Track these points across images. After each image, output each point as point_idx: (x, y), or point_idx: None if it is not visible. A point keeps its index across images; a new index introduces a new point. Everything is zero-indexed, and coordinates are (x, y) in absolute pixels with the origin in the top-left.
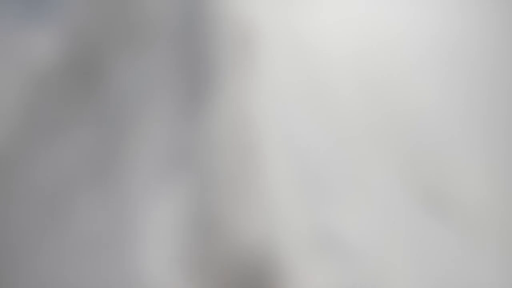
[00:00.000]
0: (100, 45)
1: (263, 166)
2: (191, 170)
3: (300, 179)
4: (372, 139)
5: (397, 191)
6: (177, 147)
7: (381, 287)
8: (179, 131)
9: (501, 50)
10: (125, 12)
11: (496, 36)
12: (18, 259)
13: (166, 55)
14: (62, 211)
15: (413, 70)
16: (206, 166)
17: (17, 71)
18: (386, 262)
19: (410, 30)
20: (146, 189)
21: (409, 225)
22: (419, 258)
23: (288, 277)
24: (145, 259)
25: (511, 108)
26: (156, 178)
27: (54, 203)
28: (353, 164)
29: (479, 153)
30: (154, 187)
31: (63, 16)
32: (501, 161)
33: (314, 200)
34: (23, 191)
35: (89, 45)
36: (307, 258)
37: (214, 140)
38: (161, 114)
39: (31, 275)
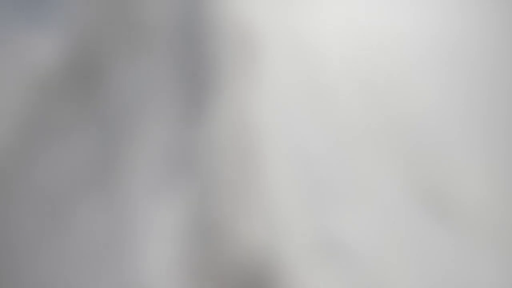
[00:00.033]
0: (100, 49)
1: (263, 168)
2: (191, 173)
3: (301, 181)
4: (372, 140)
5: (397, 193)
6: (177, 150)
7: None
8: (179, 133)
9: (501, 51)
10: (125, 16)
11: (496, 36)
12: (18, 261)
13: (166, 59)
14: (62, 213)
15: (413, 71)
16: (206, 169)
17: (17, 75)
18: (387, 264)
19: (410, 31)
20: (146, 191)
21: (410, 227)
22: (420, 260)
23: (288, 281)
24: (145, 262)
25: (511, 109)
26: (156, 181)
27: (55, 205)
28: (353, 165)
29: (479, 154)
30: (155, 189)
31: (63, 20)
32: (501, 161)
33: (315, 203)
34: (23, 193)
35: (89, 49)
36: (308, 262)
37: (215, 143)
38: (161, 117)
39: (32, 277)
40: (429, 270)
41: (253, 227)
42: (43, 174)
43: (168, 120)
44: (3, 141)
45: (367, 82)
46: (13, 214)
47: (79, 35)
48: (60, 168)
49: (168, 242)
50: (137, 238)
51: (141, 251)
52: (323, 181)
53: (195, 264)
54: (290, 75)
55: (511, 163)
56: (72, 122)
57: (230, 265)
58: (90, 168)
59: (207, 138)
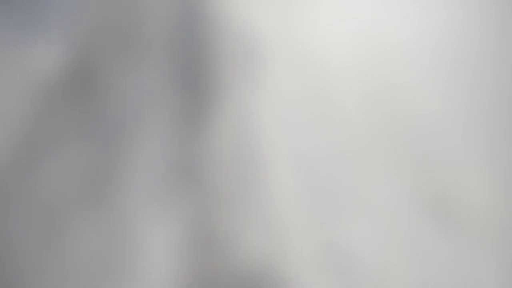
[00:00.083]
0: (100, 55)
1: (265, 179)
2: (191, 183)
3: (303, 190)
4: (375, 146)
5: (401, 200)
6: (177, 159)
7: None
8: (179, 142)
9: (504, 55)
10: (125, 23)
11: (498, 41)
12: (16, 269)
13: (167, 68)
14: (59, 226)
15: (416, 76)
16: (207, 180)
17: (17, 81)
18: (391, 272)
19: (413, 36)
20: (144, 203)
21: (414, 235)
22: (424, 268)
23: None
24: (144, 274)
25: None
26: (156, 192)
27: (51, 218)
28: (356, 172)
29: (482, 158)
30: (153, 202)
31: (64, 26)
32: (504, 165)
33: (318, 212)
34: (22, 200)
35: (89, 55)
36: (311, 274)
37: (215, 152)
38: (161, 125)
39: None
40: (434, 277)
41: (254, 239)
42: (41, 182)
43: (168, 128)
44: (2, 147)
45: (370, 87)
46: (12, 221)
47: (80, 41)
48: (58, 178)
49: (167, 256)
50: (135, 251)
51: (139, 263)
52: (325, 189)
53: (196, 277)
54: (291, 83)
55: None
56: (71, 129)
57: (231, 277)
58: (89, 178)
59: (208, 147)
